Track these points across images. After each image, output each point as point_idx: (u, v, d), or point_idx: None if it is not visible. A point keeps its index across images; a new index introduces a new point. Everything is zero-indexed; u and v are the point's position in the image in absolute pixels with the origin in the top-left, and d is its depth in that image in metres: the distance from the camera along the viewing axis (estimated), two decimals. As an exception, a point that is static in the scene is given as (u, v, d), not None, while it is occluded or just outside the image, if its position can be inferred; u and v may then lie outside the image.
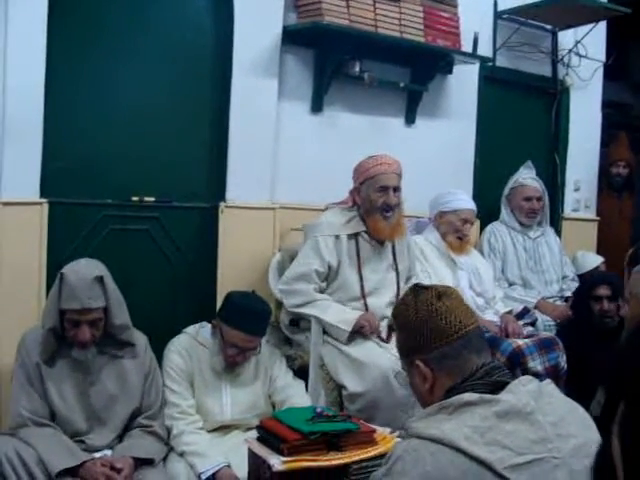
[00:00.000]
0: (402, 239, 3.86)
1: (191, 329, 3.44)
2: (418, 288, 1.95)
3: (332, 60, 4.12)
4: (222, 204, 3.91)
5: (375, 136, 4.35)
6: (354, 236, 3.73)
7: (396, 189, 3.69)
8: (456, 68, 4.73)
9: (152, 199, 3.81)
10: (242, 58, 3.88)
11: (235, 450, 3.11)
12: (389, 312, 3.46)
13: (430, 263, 4.20)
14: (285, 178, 4.08)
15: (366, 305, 3.68)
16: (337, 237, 3.70)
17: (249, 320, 3.23)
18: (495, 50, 5.04)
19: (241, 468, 2.96)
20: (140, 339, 3.27)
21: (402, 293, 3.57)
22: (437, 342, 1.82)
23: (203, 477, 3.05)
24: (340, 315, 3.60)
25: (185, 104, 3.87)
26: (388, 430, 2.89)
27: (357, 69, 4.09)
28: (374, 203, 3.67)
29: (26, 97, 3.39)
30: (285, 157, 4.08)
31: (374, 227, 3.71)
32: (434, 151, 4.71)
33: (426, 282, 3.46)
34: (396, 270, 3.81)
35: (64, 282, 2.99)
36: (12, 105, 3.37)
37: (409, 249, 3.95)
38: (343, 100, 4.26)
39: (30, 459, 2.89)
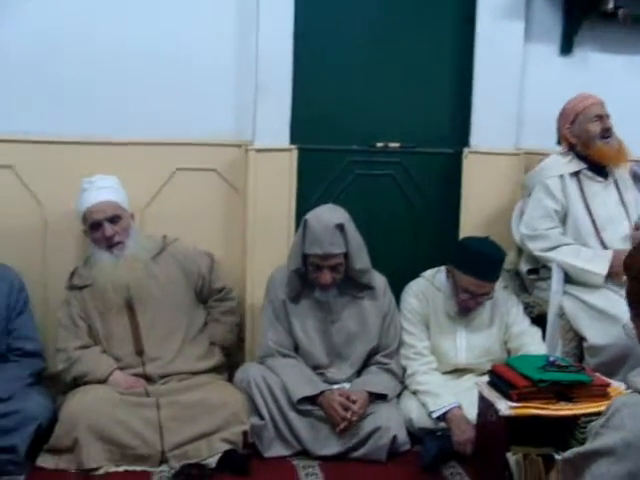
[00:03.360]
0: (624, 172, 3.72)
1: (428, 273, 3.51)
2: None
3: (582, -4, 3.91)
4: (466, 149, 3.89)
5: (631, 78, 4.07)
6: (575, 175, 3.62)
7: (608, 116, 3.60)
8: None
9: (396, 145, 3.89)
10: (486, 1, 3.80)
11: (467, 393, 3.17)
12: (625, 246, 3.39)
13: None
14: (531, 123, 3.97)
15: (602, 241, 3.55)
16: (561, 177, 3.60)
17: (481, 265, 3.24)
18: None
19: (471, 410, 3.03)
20: (379, 281, 3.40)
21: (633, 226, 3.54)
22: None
23: (434, 415, 3.15)
24: (592, 259, 3.49)
25: (428, 49, 3.87)
26: (624, 386, 2.78)
27: (610, 5, 3.84)
28: (592, 133, 3.56)
29: (276, 50, 3.62)
30: (531, 102, 3.95)
31: (600, 154, 3.59)
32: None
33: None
34: (623, 203, 3.64)
35: (307, 228, 3.19)
36: (264, 58, 3.62)
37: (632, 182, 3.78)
38: (595, 40, 4.03)
39: (275, 385, 3.18)
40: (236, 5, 3.64)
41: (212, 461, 2.97)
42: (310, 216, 3.23)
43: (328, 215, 3.23)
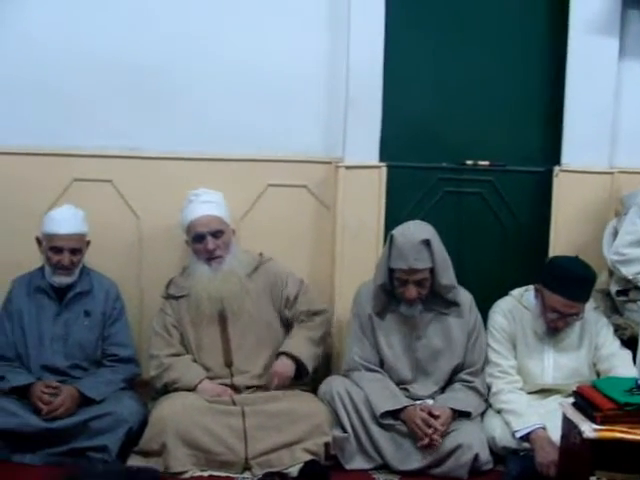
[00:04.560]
0: None
1: (516, 292, 3.47)
2: None
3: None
4: (557, 168, 3.84)
5: None
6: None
7: None
8: None
9: (486, 163, 3.88)
10: (579, 17, 3.75)
11: (552, 414, 3.11)
12: None
13: None
14: (626, 141, 3.89)
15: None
16: None
17: (571, 285, 3.19)
18: None
19: (556, 432, 2.97)
20: (466, 298, 3.41)
21: None
22: None
23: (517, 435, 3.12)
24: None
25: (518, 66, 3.86)
26: None
27: None
28: None
29: (367, 67, 3.69)
30: (626, 118, 3.87)
31: None
32: None
33: None
34: None
35: (393, 243, 3.23)
36: (355, 75, 3.68)
37: None
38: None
39: (358, 398, 3.23)
40: (327, 25, 3.72)
41: (294, 470, 3.03)
42: (396, 231, 3.27)
43: (414, 230, 3.26)
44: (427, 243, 3.21)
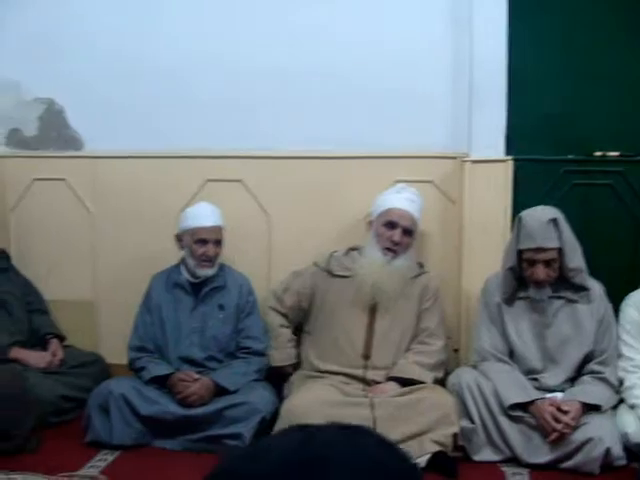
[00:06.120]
0: None
1: (648, 284, 3.39)
2: None
3: None
4: (690, 158, 3.72)
5: None
6: None
7: None
8: None
9: (616, 153, 3.79)
10: None
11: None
12: None
13: None
14: None
15: None
16: None
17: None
18: None
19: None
20: (595, 285, 3.36)
21: None
22: None
23: (653, 432, 3.03)
24: None
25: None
26: None
27: None
28: None
29: (491, 61, 3.67)
30: None
31: None
32: None
33: None
34: None
35: (522, 224, 3.25)
36: (478, 67, 3.68)
37: None
38: None
39: (487, 389, 3.23)
40: (448, 15, 3.74)
41: (422, 461, 3.05)
42: (524, 213, 3.30)
43: (542, 211, 3.28)
44: (555, 222, 3.20)
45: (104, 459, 3.22)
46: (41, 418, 3.37)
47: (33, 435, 3.28)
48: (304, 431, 0.78)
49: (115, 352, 3.92)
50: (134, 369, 3.56)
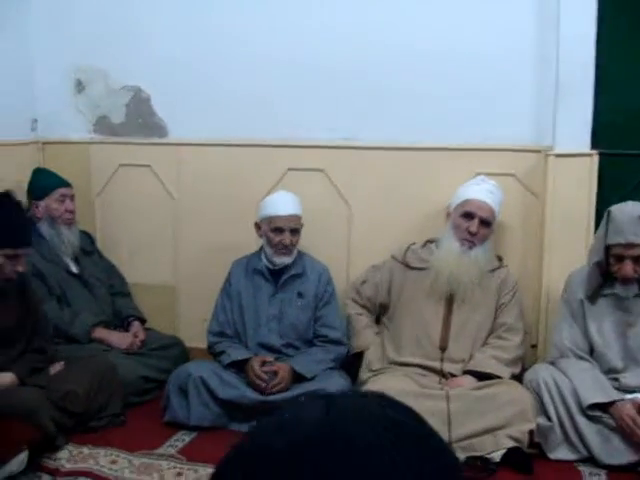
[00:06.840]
0: None
1: None
2: None
3: None
4: None
5: None
6: None
7: None
8: None
9: None
10: None
11: None
12: None
13: None
14: None
15: None
16: None
17: None
18: None
19: None
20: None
21: None
22: None
23: None
24: None
25: None
26: None
27: None
28: None
29: (578, 50, 3.58)
30: None
31: None
32: None
33: None
34: None
35: (611, 219, 3.17)
36: (565, 59, 3.59)
37: None
38: None
39: (565, 387, 3.17)
40: (535, 7, 3.66)
41: (496, 455, 3.03)
42: (614, 208, 3.22)
43: (632, 206, 3.19)
44: None
45: (182, 439, 3.30)
46: (124, 398, 3.48)
47: (120, 414, 3.43)
48: (325, 399, 0.79)
49: (194, 336, 4.01)
50: (213, 353, 3.62)
